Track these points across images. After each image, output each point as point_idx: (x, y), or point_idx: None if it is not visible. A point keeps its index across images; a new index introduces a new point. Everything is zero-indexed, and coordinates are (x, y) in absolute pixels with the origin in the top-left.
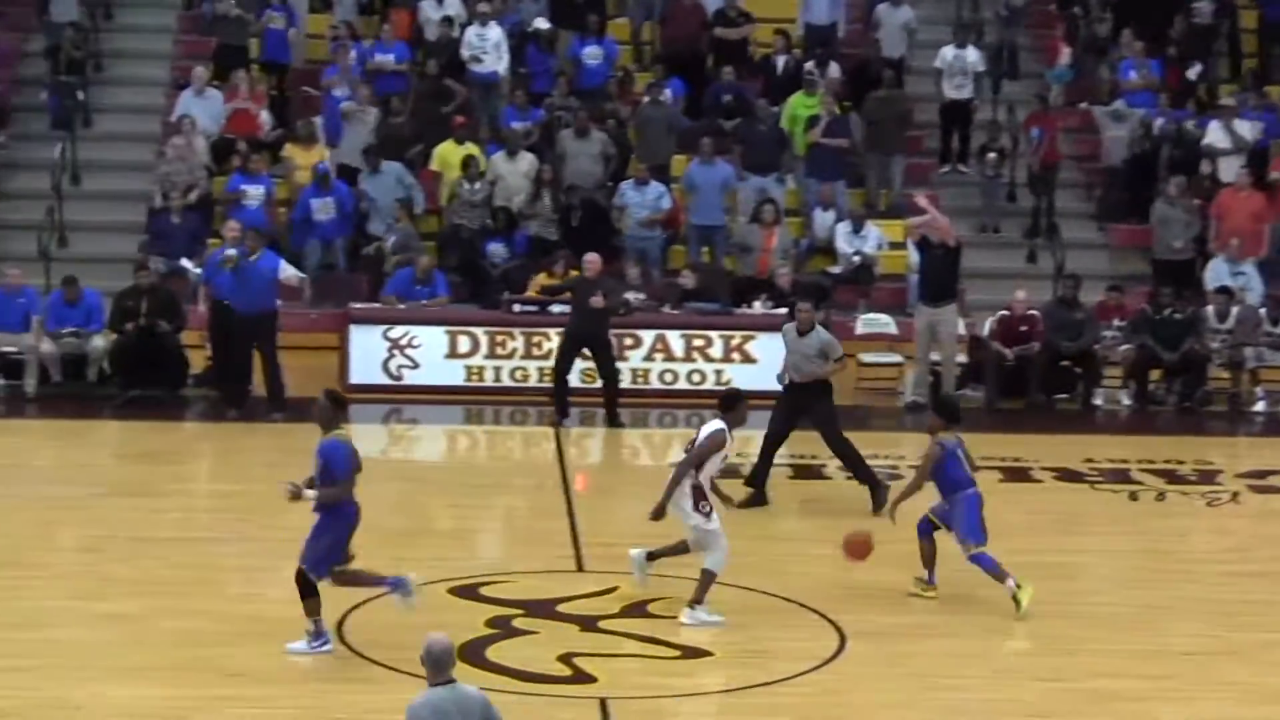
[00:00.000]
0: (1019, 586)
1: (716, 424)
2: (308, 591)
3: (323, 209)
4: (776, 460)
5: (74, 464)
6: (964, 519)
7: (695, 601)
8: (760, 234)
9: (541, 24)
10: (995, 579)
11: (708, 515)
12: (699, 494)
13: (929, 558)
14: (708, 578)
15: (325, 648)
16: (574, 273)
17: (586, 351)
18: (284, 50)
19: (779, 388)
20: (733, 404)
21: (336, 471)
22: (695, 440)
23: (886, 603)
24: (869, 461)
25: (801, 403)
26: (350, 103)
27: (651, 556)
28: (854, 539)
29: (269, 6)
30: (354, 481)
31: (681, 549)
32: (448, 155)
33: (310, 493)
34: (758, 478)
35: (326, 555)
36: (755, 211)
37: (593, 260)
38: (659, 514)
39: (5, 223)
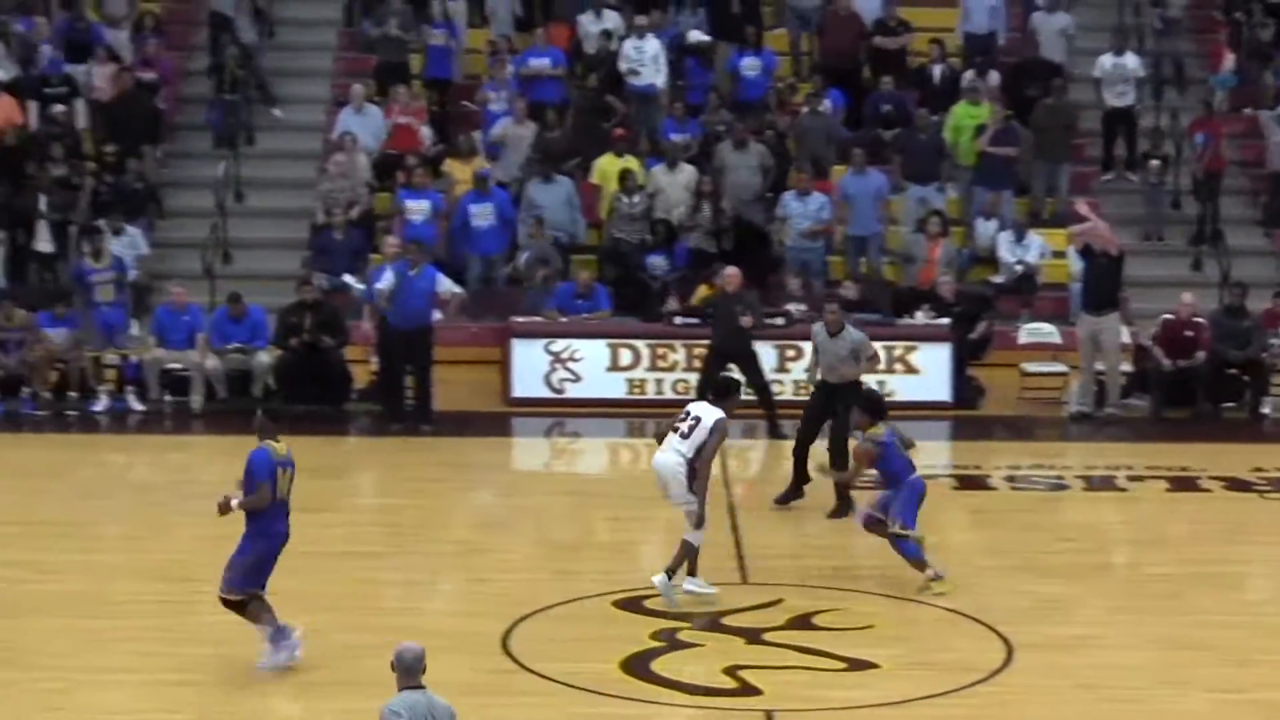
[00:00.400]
0: (937, 579)
1: (717, 413)
2: (239, 606)
3: (481, 215)
4: (940, 470)
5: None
6: (903, 503)
7: (671, 570)
8: (925, 245)
9: (699, 36)
10: (914, 566)
11: (698, 496)
12: (693, 476)
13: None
14: (689, 550)
15: (291, 647)
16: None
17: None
18: (445, 66)
19: (935, 398)
20: (727, 393)
21: (254, 476)
22: (693, 426)
23: (1052, 614)
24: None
25: (833, 403)
26: (503, 123)
27: (671, 572)
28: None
29: (430, 23)
30: (270, 493)
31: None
32: (607, 168)
33: (235, 501)
34: (797, 479)
35: (245, 575)
36: (921, 222)
37: (732, 274)
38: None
39: (170, 241)
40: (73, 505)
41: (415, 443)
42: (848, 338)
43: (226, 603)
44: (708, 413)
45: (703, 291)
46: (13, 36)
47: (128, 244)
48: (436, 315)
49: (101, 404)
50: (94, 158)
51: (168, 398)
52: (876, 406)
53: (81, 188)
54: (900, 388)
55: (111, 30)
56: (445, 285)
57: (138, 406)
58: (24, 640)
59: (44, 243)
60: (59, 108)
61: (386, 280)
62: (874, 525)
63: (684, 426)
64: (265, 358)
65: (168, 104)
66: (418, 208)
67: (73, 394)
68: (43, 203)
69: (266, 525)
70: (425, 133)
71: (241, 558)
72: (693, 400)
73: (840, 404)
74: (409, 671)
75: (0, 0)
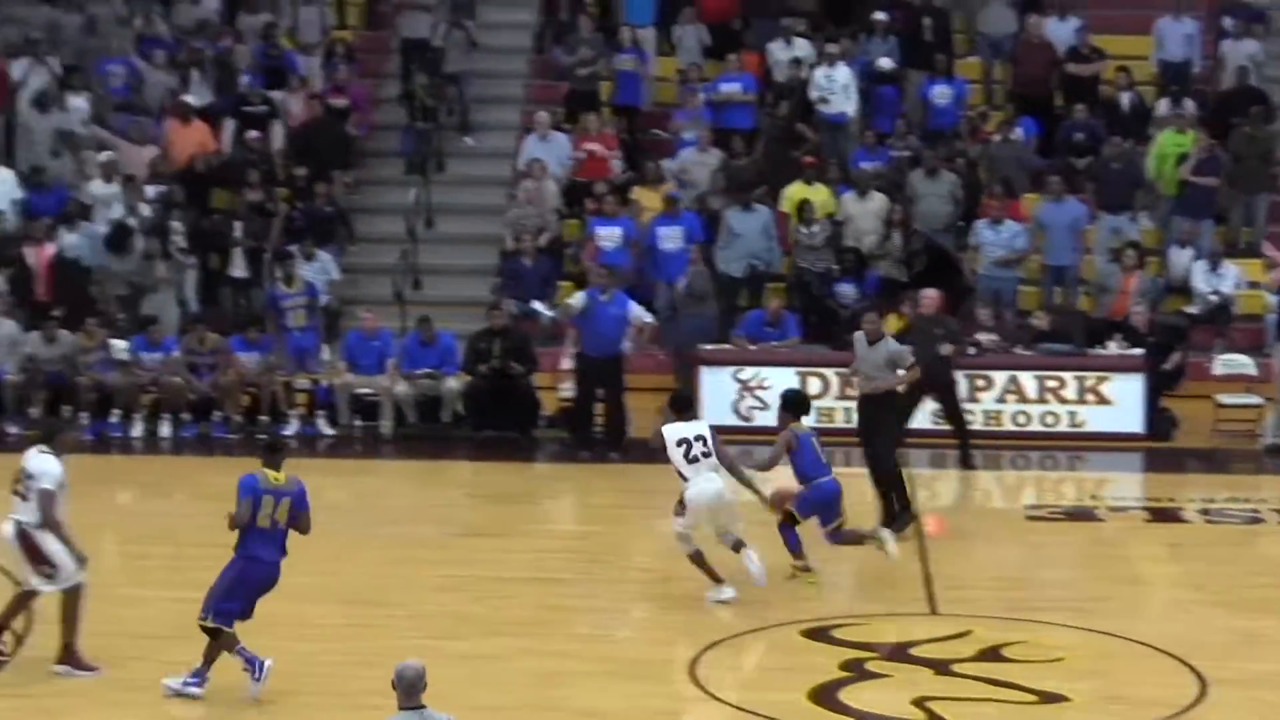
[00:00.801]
0: (808, 570)
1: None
2: (213, 633)
3: (670, 238)
4: (1132, 503)
5: (429, 504)
6: (811, 499)
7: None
8: (1120, 276)
9: (890, 64)
10: (790, 552)
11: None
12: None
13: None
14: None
15: (195, 688)
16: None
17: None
18: (635, 93)
19: (1127, 429)
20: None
21: (237, 495)
22: (710, 439)
23: (1248, 649)
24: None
25: (868, 413)
26: (688, 151)
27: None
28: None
29: (619, 51)
30: (247, 514)
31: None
32: (796, 196)
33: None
34: (898, 501)
35: (220, 598)
36: (1115, 252)
37: (930, 297)
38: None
39: (360, 267)
40: None
41: (604, 469)
42: (885, 348)
43: (202, 628)
44: (705, 428)
45: (893, 323)
46: (208, 61)
47: (319, 269)
48: (628, 343)
49: (292, 428)
50: (286, 183)
51: (358, 422)
52: (801, 404)
53: (275, 213)
54: (1092, 419)
55: (304, 57)
56: (637, 313)
57: (328, 431)
58: (218, 664)
59: (238, 268)
60: (253, 134)
61: (578, 298)
62: (843, 537)
63: (699, 449)
64: (454, 383)
65: (359, 130)
66: (609, 235)
67: (264, 418)
68: (237, 228)
69: (247, 548)
70: (615, 160)
71: (220, 580)
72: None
73: (873, 413)
74: (410, 691)
75: (199, 26)
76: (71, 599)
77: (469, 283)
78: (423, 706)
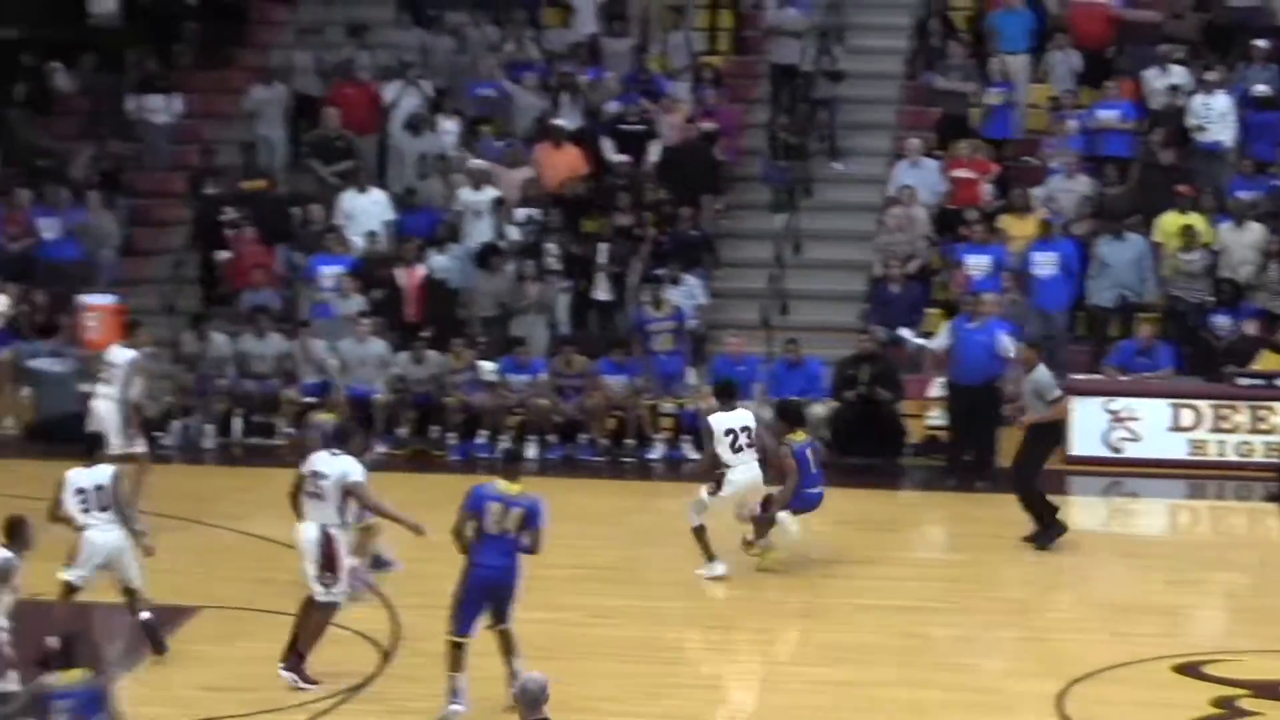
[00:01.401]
0: (761, 555)
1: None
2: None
3: (1045, 262)
4: None
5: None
6: (792, 505)
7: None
8: None
9: (1268, 91)
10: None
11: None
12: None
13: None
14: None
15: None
16: None
17: None
18: (1005, 126)
19: None
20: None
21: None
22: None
23: None
24: None
25: (1026, 438)
26: (1056, 179)
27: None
28: None
29: (990, 84)
30: (465, 523)
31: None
32: (1169, 225)
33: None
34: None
35: (455, 609)
36: None
37: None
38: None
39: (727, 291)
40: (628, 551)
41: (971, 498)
42: (1034, 378)
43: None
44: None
45: (1268, 356)
46: (580, 86)
47: (686, 293)
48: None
49: (657, 452)
50: (654, 207)
51: None
52: (796, 416)
53: (644, 238)
54: None
55: (672, 82)
56: (1006, 343)
57: (693, 456)
58: (580, 685)
59: (602, 291)
60: (623, 158)
61: (940, 340)
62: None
63: (744, 439)
64: (821, 409)
65: (727, 155)
66: (978, 263)
67: (629, 441)
68: (603, 252)
69: (474, 555)
70: (986, 187)
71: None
72: None
73: (1029, 439)
74: (533, 704)
75: (570, 50)
76: (326, 614)
77: (836, 308)
78: (546, 718)
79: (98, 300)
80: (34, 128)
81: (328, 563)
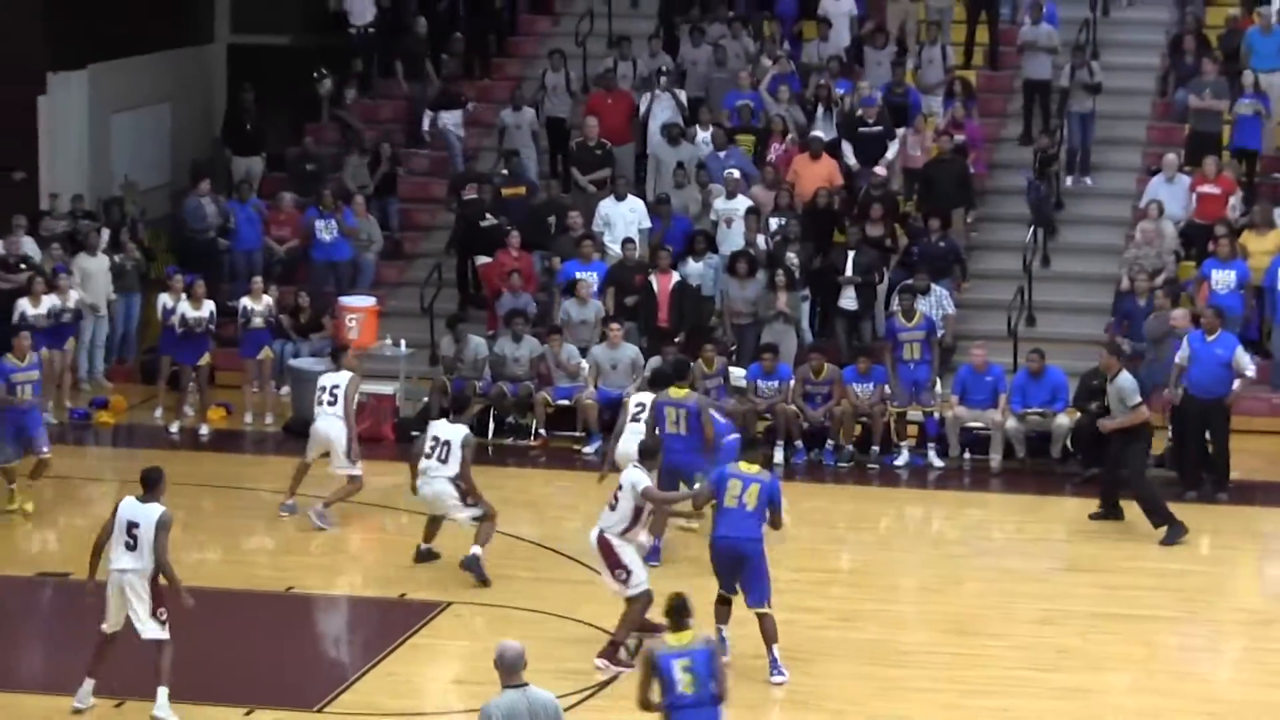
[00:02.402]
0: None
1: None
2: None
3: None
4: None
5: (1032, 538)
6: None
7: None
8: None
9: None
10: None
11: None
12: None
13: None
14: None
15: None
16: None
17: None
18: (1254, 137)
19: None
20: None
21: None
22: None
23: None
24: None
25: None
26: None
27: None
28: None
29: (1242, 95)
30: (705, 497)
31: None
32: None
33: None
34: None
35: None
36: None
37: None
38: None
39: (975, 302)
40: (872, 555)
41: (1209, 510)
42: (1118, 384)
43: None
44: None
45: None
46: (833, 98)
47: (934, 303)
48: (1236, 385)
49: (902, 459)
50: (904, 219)
51: (967, 455)
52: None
53: (895, 249)
54: None
55: (925, 96)
56: (1243, 361)
57: (938, 463)
58: (824, 685)
59: (848, 300)
60: (879, 171)
61: (1181, 352)
62: None
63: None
64: (1064, 420)
65: (977, 168)
66: (1223, 278)
67: (875, 448)
68: (851, 262)
69: (715, 528)
70: (1233, 203)
71: None
72: None
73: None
74: (510, 670)
75: (826, 62)
76: (636, 605)
77: (1083, 320)
78: (525, 684)
79: (358, 302)
80: (301, 133)
81: (613, 563)
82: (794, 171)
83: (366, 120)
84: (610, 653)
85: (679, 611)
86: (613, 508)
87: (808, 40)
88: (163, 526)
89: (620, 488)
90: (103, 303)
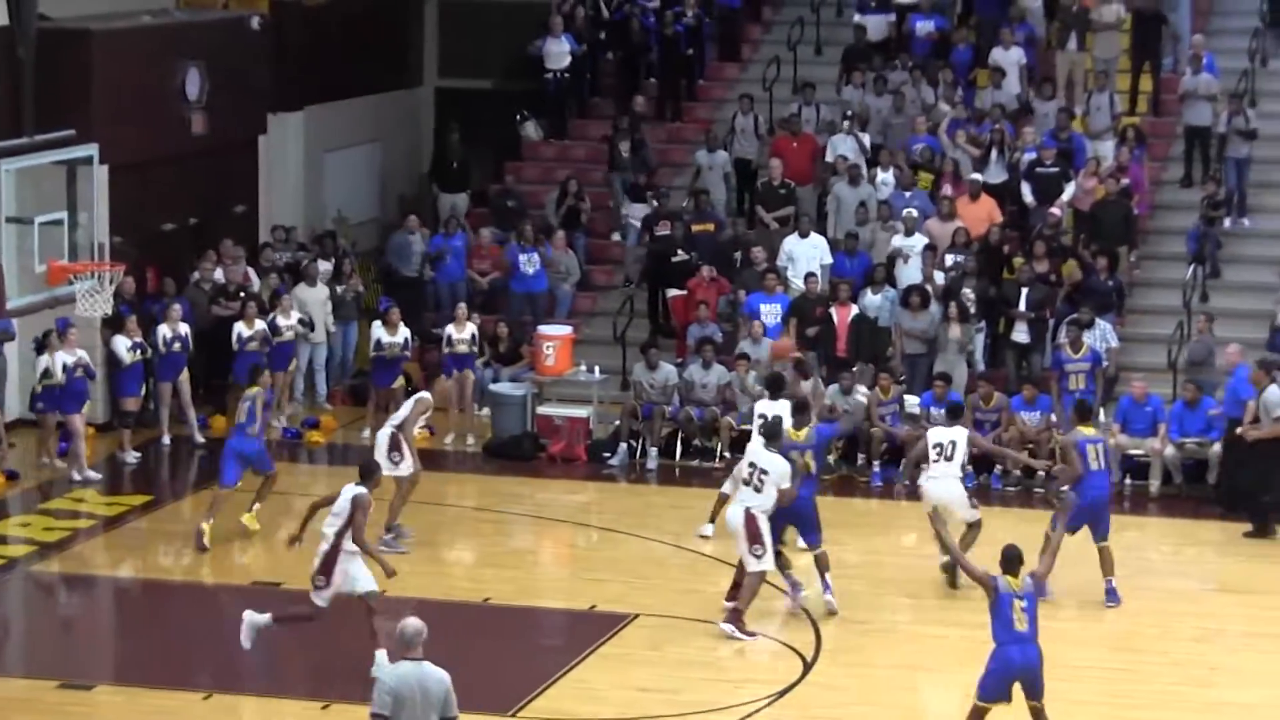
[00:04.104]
0: None
1: None
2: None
3: None
4: None
5: (1188, 560)
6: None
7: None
8: None
9: None
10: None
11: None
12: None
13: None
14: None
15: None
16: None
17: None
18: None
19: None
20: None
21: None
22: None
23: None
24: None
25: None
26: None
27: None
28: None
29: None
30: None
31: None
32: None
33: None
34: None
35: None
36: None
37: None
38: None
39: (1137, 336)
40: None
41: None
42: (1265, 397)
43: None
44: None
45: None
46: (1004, 142)
47: (1099, 336)
48: None
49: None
50: (1072, 255)
51: (1128, 481)
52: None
53: (1060, 284)
54: None
55: (1092, 141)
56: None
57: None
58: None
59: (1020, 333)
60: (1054, 212)
61: None
62: None
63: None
64: (1219, 449)
65: (1141, 209)
66: None
67: (1040, 472)
68: (1023, 296)
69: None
70: None
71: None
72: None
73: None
74: (408, 645)
75: (998, 109)
76: (756, 579)
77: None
78: (421, 659)
79: (554, 330)
80: (502, 171)
81: (753, 537)
82: (959, 213)
83: (559, 159)
84: (735, 619)
85: (1013, 560)
86: (758, 490)
87: (980, 88)
88: (359, 505)
89: (766, 472)
90: (321, 331)
